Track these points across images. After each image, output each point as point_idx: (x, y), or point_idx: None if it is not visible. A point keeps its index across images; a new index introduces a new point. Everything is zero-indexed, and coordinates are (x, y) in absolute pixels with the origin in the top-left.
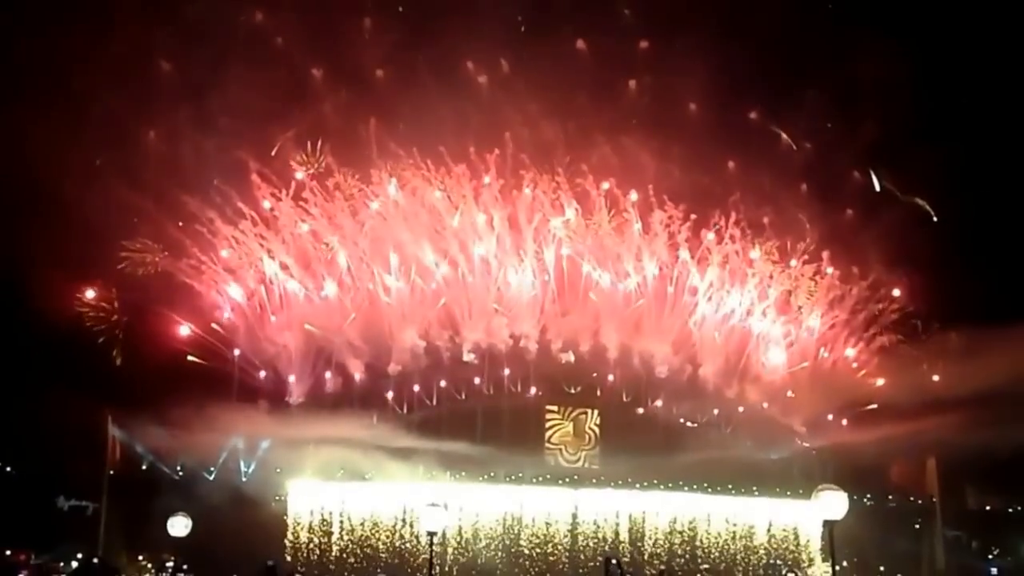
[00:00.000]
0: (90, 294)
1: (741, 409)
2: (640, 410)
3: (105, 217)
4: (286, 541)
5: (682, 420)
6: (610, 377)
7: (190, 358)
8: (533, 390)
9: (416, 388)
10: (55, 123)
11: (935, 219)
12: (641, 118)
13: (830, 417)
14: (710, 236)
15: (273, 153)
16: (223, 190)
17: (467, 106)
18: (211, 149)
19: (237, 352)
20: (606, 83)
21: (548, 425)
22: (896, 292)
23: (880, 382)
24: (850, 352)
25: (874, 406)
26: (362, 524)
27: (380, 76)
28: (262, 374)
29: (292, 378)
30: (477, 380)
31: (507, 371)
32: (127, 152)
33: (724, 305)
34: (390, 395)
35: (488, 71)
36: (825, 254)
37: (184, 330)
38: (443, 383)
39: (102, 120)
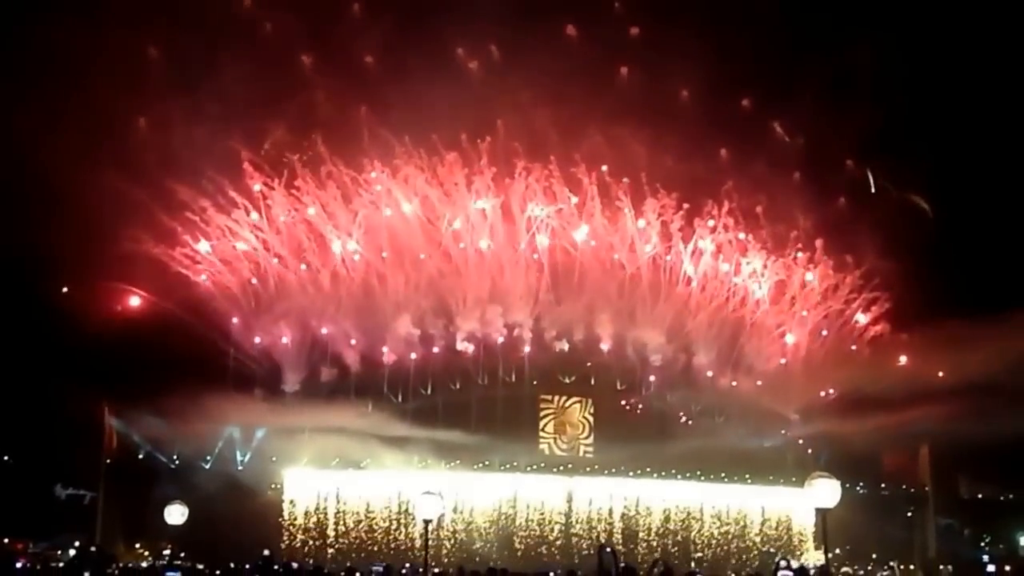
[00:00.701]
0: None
1: (735, 395)
2: (634, 399)
3: (99, 206)
4: (282, 529)
5: (676, 409)
6: (604, 350)
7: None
8: (527, 379)
9: (411, 377)
10: (44, 112)
11: (931, 215)
12: (633, 106)
13: (822, 400)
14: (710, 223)
15: (264, 150)
16: (215, 178)
17: (458, 93)
18: (202, 138)
19: (233, 339)
20: (597, 70)
21: (542, 414)
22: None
23: (903, 359)
24: (861, 317)
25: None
26: (357, 512)
27: (370, 63)
28: (256, 340)
29: (287, 367)
30: (472, 368)
31: (501, 357)
32: (118, 141)
33: (718, 294)
34: (385, 384)
35: (479, 57)
36: (819, 243)
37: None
38: (438, 372)
39: (91, 108)
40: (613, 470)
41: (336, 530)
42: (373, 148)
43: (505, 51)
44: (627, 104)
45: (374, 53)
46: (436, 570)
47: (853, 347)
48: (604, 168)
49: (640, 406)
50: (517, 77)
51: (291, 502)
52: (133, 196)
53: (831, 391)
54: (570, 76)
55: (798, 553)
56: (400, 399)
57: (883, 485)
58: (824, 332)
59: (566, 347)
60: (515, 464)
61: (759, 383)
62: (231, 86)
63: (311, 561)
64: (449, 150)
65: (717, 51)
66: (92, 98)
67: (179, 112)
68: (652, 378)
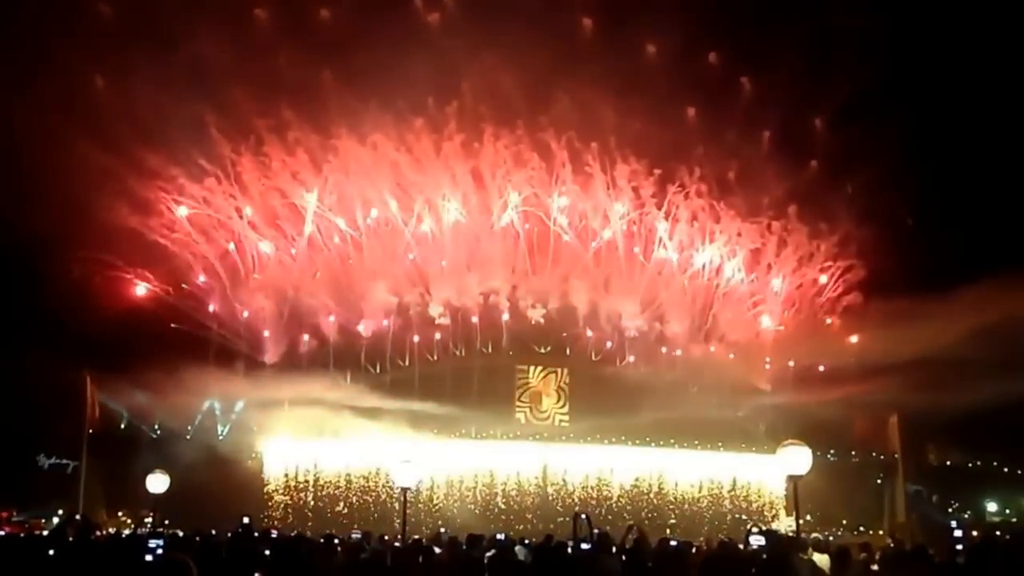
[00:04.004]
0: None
1: (709, 364)
2: (608, 368)
3: (70, 174)
4: (262, 498)
5: (650, 379)
6: (579, 320)
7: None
8: (504, 349)
9: (388, 348)
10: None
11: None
12: (599, 64)
13: (794, 369)
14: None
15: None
16: (183, 145)
17: (421, 53)
18: (167, 102)
19: (212, 311)
20: (559, 24)
21: (518, 384)
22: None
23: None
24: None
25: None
26: (336, 481)
27: (328, 18)
28: (236, 310)
29: (267, 339)
30: (448, 339)
31: (478, 328)
32: (81, 108)
33: (692, 262)
34: (363, 355)
35: (438, 10)
36: (792, 209)
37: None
38: (415, 342)
39: (52, 75)
40: (588, 439)
41: (315, 498)
42: (340, 113)
43: (464, 5)
44: (593, 62)
45: (333, 10)
46: (414, 537)
47: (828, 319)
48: (571, 133)
49: (615, 376)
50: (478, 33)
51: (270, 471)
52: (103, 165)
53: (804, 360)
54: (532, 32)
55: (769, 519)
56: (378, 370)
57: (853, 453)
58: (797, 301)
59: (542, 318)
60: (492, 433)
61: (732, 353)
62: (193, 48)
63: (291, 528)
64: (416, 115)
65: (686, 6)
66: (47, 63)
67: (141, 75)
68: (627, 348)
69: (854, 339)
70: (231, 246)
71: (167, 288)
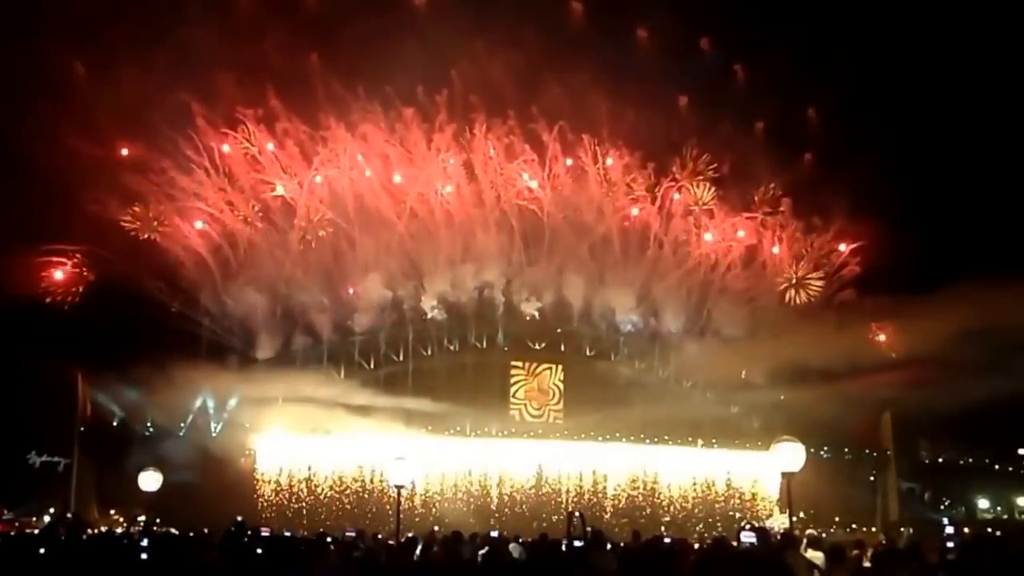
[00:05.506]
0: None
1: (703, 360)
2: (603, 364)
3: (59, 167)
4: (255, 496)
5: (645, 375)
6: (574, 316)
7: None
8: (499, 345)
9: (381, 343)
10: None
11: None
12: (590, 51)
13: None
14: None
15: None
16: (171, 136)
17: (410, 40)
18: (152, 91)
19: (204, 307)
20: (552, 13)
21: (513, 380)
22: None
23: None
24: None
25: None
26: (329, 479)
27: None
28: (228, 306)
29: (259, 334)
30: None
31: (473, 326)
32: (66, 101)
33: (687, 255)
34: (356, 351)
35: None
36: (785, 202)
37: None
38: (409, 339)
39: (37, 66)
40: (583, 435)
41: (308, 496)
42: (329, 104)
43: None
44: (584, 49)
45: None
46: (408, 535)
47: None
48: (563, 123)
49: (609, 372)
50: (467, 19)
51: (263, 469)
52: (92, 156)
53: (798, 356)
54: (521, 18)
55: (763, 516)
56: (371, 366)
57: (846, 450)
58: (791, 297)
59: (536, 312)
60: (487, 430)
61: (726, 348)
62: (178, 36)
63: (284, 526)
64: (406, 105)
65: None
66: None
67: (125, 63)
68: (622, 343)
69: (847, 336)
70: (223, 241)
71: (158, 284)
